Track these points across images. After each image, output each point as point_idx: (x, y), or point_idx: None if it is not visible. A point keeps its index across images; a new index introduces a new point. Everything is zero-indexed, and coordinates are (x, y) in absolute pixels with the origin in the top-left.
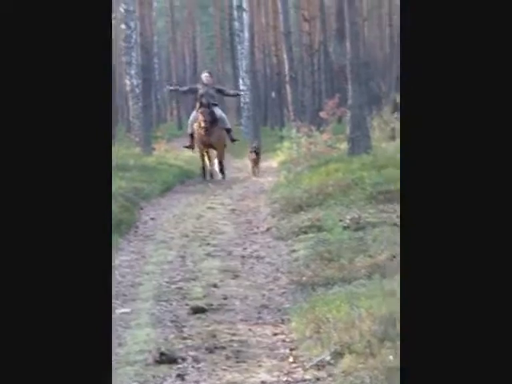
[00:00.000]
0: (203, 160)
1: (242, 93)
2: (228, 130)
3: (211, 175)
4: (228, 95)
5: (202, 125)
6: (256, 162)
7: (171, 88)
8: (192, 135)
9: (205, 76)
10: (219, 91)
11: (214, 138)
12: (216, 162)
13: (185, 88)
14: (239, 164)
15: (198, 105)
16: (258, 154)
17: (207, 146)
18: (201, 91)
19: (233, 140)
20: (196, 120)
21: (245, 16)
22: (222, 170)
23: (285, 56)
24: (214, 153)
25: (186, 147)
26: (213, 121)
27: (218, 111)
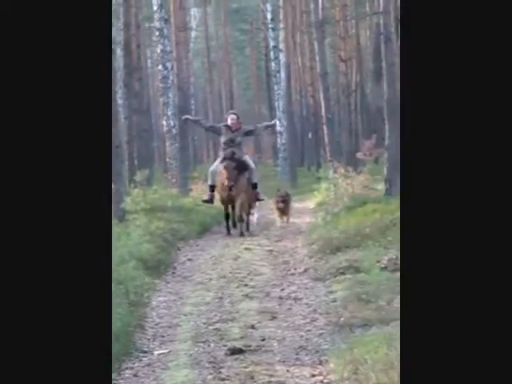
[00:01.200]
0: (227, 211)
1: (274, 121)
2: (254, 186)
3: (237, 226)
4: (260, 132)
5: (226, 183)
6: (284, 212)
7: (190, 118)
8: (213, 187)
9: (230, 118)
10: (249, 134)
11: (238, 197)
12: (247, 214)
13: (207, 125)
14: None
15: (221, 154)
16: (285, 202)
17: (231, 203)
18: (223, 138)
19: (258, 199)
20: (218, 174)
21: (281, 57)
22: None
23: (321, 96)
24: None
25: (205, 201)
26: (238, 175)
27: (244, 162)
